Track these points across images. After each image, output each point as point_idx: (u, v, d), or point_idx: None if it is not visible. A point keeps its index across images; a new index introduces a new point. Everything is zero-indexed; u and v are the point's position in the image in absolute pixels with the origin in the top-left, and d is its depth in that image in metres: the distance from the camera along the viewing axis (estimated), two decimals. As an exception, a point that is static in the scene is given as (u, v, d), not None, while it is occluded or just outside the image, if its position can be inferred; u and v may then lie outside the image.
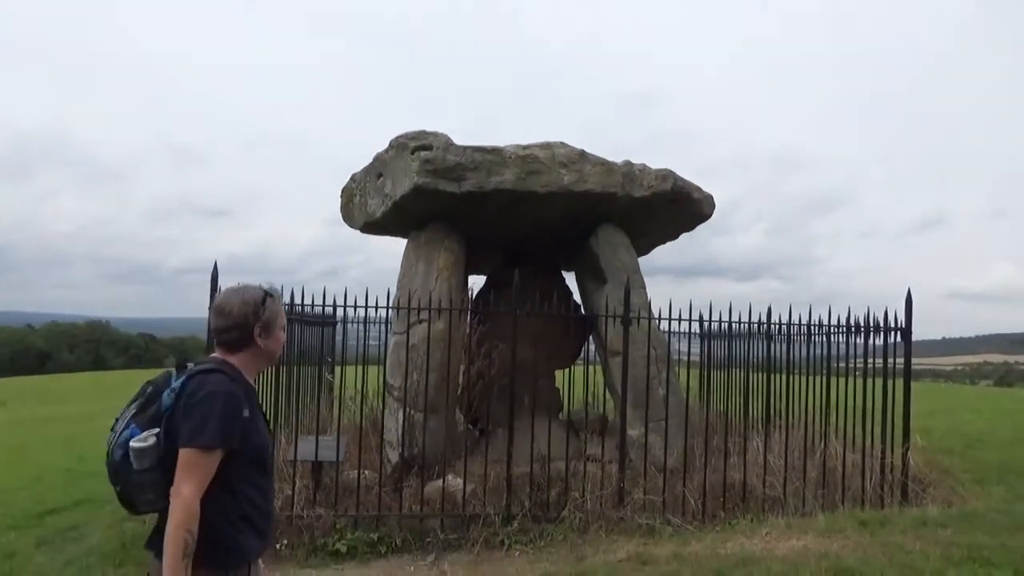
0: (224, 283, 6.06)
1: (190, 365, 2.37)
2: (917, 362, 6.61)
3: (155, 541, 2.24)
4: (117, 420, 2.30)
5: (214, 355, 2.45)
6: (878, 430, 6.38)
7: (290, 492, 5.82)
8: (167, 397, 2.26)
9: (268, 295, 2.46)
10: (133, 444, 2.17)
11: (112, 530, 5.81)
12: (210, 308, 2.63)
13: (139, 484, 2.20)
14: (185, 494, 2.12)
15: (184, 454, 2.16)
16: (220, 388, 2.25)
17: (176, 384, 2.27)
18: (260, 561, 2.45)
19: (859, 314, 6.65)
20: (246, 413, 2.30)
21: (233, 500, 2.27)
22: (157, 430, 2.21)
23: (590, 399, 7.97)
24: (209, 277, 5.84)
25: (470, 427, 8.25)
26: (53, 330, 65.76)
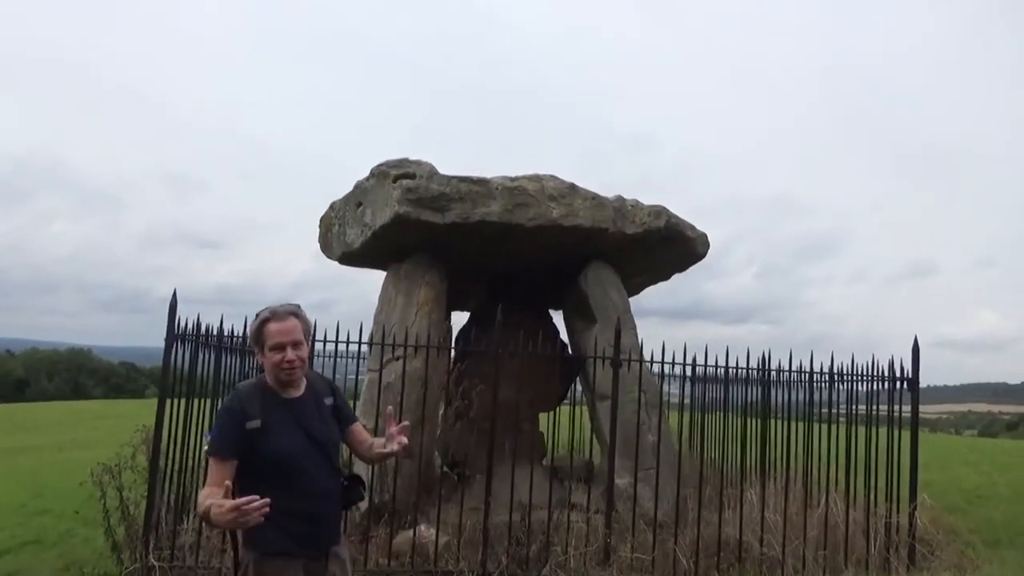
0: (184, 313, 5.70)
1: None
2: (902, 411, 6.23)
3: None
4: None
5: None
6: (881, 484, 6.00)
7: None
8: None
9: (259, 316, 2.73)
10: (205, 446, 2.76)
11: (48, 581, 5.32)
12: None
13: None
14: (201, 493, 2.61)
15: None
16: (227, 404, 2.71)
17: None
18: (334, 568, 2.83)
19: (844, 360, 6.38)
20: (253, 425, 2.63)
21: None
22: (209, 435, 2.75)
23: (575, 443, 7.56)
24: (180, 305, 5.50)
25: (447, 471, 7.79)
26: (32, 357, 64.33)
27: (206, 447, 2.68)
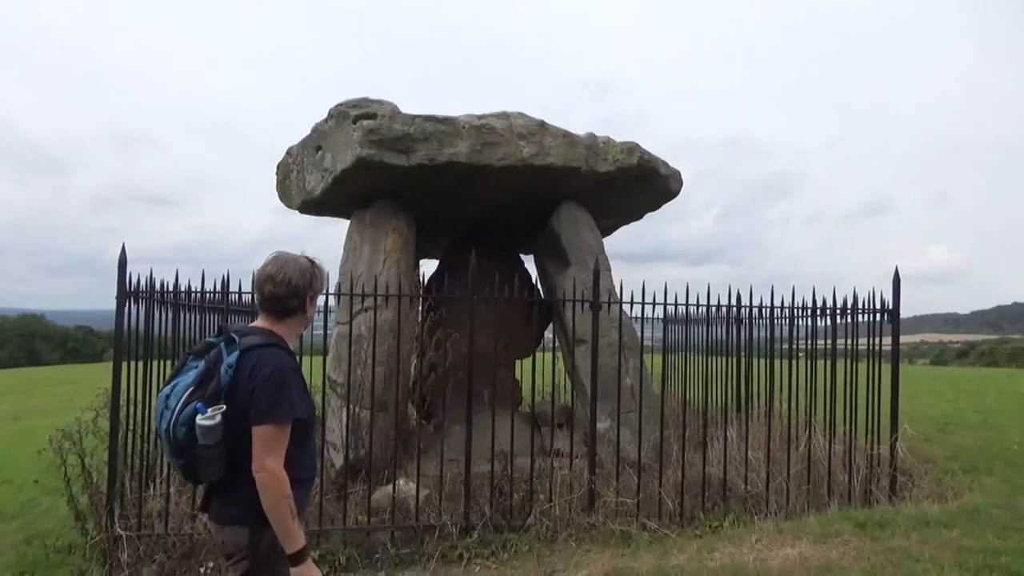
0: (140, 272, 5.33)
1: (235, 337, 2.35)
2: (860, 343, 6.17)
3: (208, 504, 2.44)
4: (168, 396, 2.31)
5: (255, 324, 2.48)
6: (861, 417, 5.97)
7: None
8: (225, 373, 2.26)
9: (314, 263, 2.51)
10: (201, 422, 2.20)
11: (6, 555, 5.04)
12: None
13: (205, 458, 2.25)
14: (271, 467, 2.22)
15: (262, 430, 2.24)
16: (286, 363, 2.33)
17: (231, 359, 2.28)
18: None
19: (808, 296, 6.27)
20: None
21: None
22: (223, 407, 2.23)
23: (549, 389, 7.43)
24: (136, 265, 5.15)
25: (424, 423, 7.62)
26: (-19, 324, 62.21)
27: (282, 416, 2.27)
